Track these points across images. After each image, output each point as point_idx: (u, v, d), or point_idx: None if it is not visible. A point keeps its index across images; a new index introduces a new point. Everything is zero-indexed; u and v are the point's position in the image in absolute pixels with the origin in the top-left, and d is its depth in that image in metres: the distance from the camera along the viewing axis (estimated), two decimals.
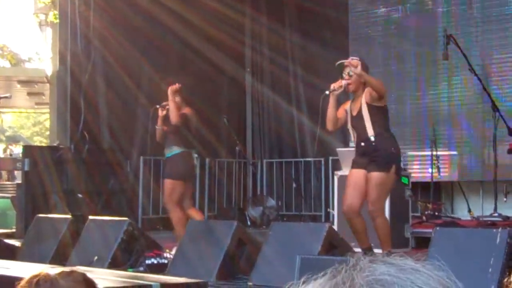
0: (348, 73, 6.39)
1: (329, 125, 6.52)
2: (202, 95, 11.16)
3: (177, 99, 7.78)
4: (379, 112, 6.35)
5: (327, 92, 6.37)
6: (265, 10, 12.42)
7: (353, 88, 6.41)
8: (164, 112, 7.77)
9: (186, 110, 7.78)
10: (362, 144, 6.38)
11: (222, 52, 11.85)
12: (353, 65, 6.23)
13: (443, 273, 0.90)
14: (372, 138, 6.30)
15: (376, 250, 6.74)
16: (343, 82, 6.36)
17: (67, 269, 2.34)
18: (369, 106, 6.32)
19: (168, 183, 7.71)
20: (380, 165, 6.26)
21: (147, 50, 10.93)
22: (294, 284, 0.93)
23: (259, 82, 12.51)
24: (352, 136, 6.53)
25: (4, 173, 15.21)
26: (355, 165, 6.47)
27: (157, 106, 7.85)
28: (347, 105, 6.57)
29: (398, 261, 0.90)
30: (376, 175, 6.25)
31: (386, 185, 6.39)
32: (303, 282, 0.93)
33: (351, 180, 6.47)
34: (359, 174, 6.37)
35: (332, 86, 6.38)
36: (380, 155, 6.28)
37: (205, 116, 11.10)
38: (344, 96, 6.75)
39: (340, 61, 6.51)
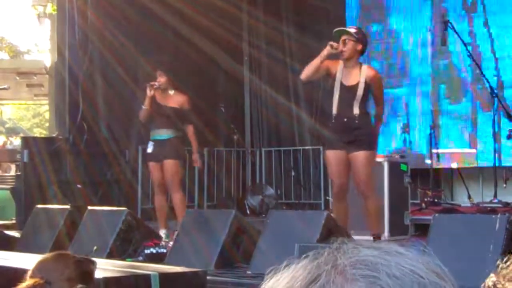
0: (344, 40, 6.38)
1: (306, 72, 6.42)
2: (199, 87, 11.12)
3: (171, 91, 7.85)
4: (368, 92, 6.45)
5: (330, 43, 6.34)
6: (262, 4, 12.40)
7: (347, 55, 6.41)
8: (152, 93, 7.72)
9: (181, 98, 7.87)
10: (345, 119, 6.40)
11: (219, 46, 11.83)
12: None
13: (429, 258, 0.89)
14: (356, 116, 6.35)
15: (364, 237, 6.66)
16: (340, 47, 6.36)
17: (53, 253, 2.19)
18: (366, 85, 6.38)
19: (172, 163, 7.62)
20: (366, 144, 6.36)
21: (143, 43, 10.89)
22: (275, 268, 0.91)
23: (257, 75, 12.49)
24: (334, 106, 6.46)
25: (5, 165, 15.16)
26: (334, 145, 6.45)
27: (147, 84, 7.80)
28: (336, 67, 6.49)
29: (383, 245, 0.90)
30: (364, 154, 6.34)
31: (372, 163, 6.53)
32: (286, 266, 0.91)
33: (334, 159, 6.46)
34: (340, 154, 6.39)
35: (333, 43, 6.37)
36: (363, 133, 6.37)
37: (202, 107, 11.10)
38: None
39: (339, 28, 6.53)
